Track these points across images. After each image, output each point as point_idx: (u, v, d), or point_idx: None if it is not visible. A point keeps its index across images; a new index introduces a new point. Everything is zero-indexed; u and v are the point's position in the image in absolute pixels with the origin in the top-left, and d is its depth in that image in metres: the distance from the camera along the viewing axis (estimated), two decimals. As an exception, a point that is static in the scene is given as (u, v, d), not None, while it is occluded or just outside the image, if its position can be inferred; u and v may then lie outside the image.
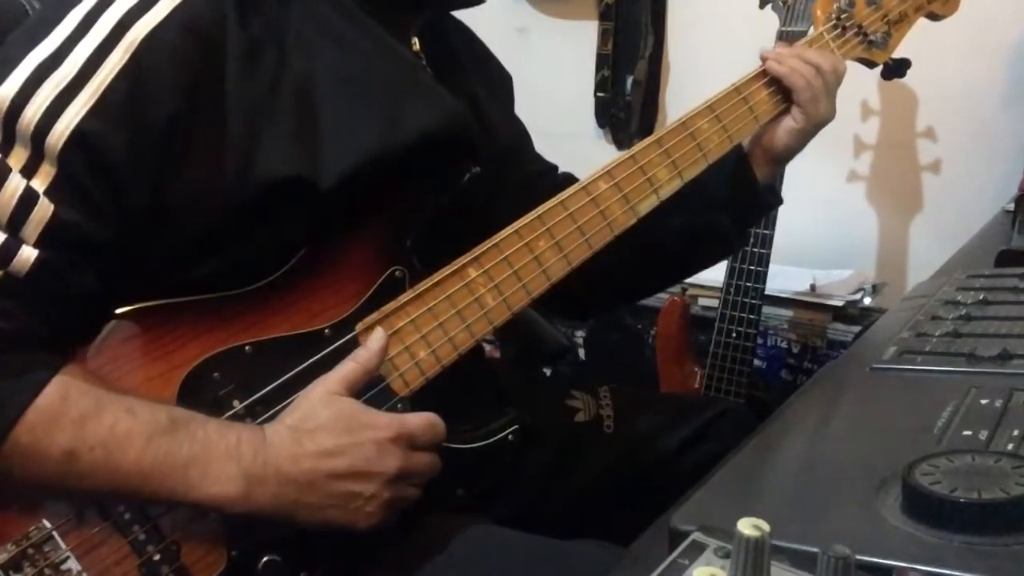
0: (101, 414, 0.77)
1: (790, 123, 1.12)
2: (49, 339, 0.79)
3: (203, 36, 0.81)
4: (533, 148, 1.24)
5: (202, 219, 0.82)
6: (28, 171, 0.77)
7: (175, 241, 0.83)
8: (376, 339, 0.88)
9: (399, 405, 0.90)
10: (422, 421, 0.86)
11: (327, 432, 0.82)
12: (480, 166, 0.97)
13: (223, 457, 0.79)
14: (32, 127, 0.77)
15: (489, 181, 0.99)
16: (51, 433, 0.75)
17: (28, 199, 0.77)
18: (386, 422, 0.84)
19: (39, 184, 0.77)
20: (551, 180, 1.22)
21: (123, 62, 0.78)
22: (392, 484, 0.84)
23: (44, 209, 0.77)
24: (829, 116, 1.13)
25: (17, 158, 0.78)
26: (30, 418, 0.75)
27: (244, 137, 0.82)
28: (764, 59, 1.12)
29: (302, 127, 0.84)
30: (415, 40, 1.00)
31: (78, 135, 0.77)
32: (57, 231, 0.77)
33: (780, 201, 1.23)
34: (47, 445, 0.75)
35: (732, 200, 1.15)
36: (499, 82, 1.19)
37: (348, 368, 0.86)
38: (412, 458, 0.85)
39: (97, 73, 0.78)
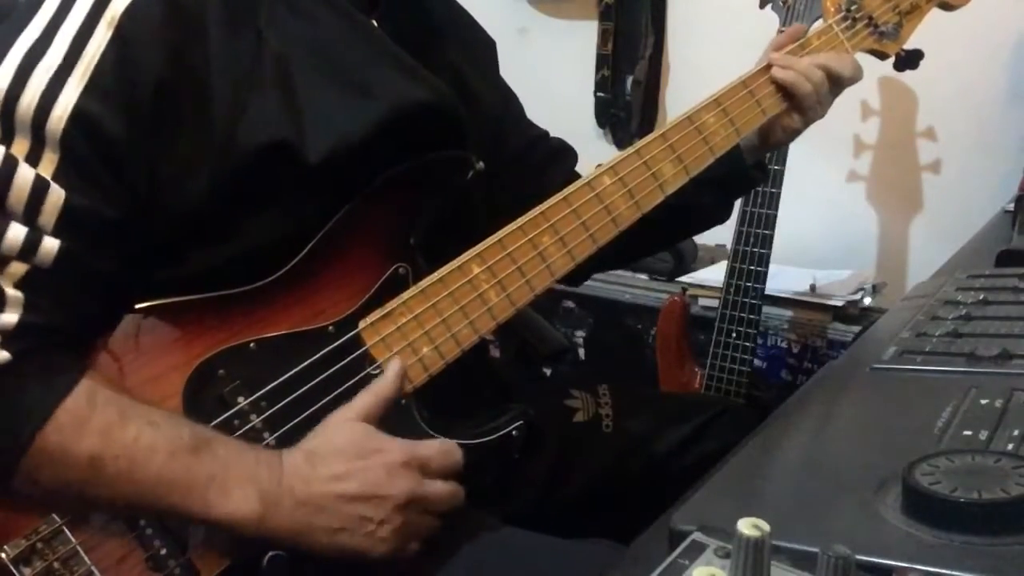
0: (126, 424, 0.78)
1: (788, 122, 1.12)
2: (72, 334, 0.80)
3: (182, 6, 0.82)
4: (523, 114, 1.23)
5: (195, 194, 0.83)
6: (32, 159, 0.78)
7: (173, 226, 0.84)
8: (393, 369, 0.88)
9: (402, 401, 0.90)
10: (436, 447, 0.87)
11: (338, 456, 0.83)
12: (466, 139, 0.97)
13: (242, 477, 0.80)
14: (31, 114, 0.77)
15: (481, 152, 0.99)
16: (78, 437, 0.76)
17: (39, 188, 0.77)
18: (397, 446, 0.85)
19: (45, 171, 0.78)
20: (544, 148, 1.22)
21: (108, 37, 0.79)
22: (404, 509, 0.83)
23: (56, 196, 0.77)
24: (822, 116, 1.13)
25: (19, 148, 0.78)
26: (59, 419, 0.76)
27: (229, 105, 0.83)
28: (772, 65, 1.11)
29: (284, 98, 0.86)
30: (373, 23, 0.98)
31: (76, 116, 0.77)
32: (73, 216, 0.78)
33: (768, 176, 1.23)
34: (74, 449, 0.76)
35: (721, 179, 1.14)
36: (481, 49, 1.18)
37: (365, 399, 0.86)
38: (425, 484, 0.85)
39: (84, 52, 0.79)
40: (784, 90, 1.10)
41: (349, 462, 0.83)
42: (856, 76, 1.12)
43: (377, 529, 0.83)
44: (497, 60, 1.20)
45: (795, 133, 1.14)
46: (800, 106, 1.10)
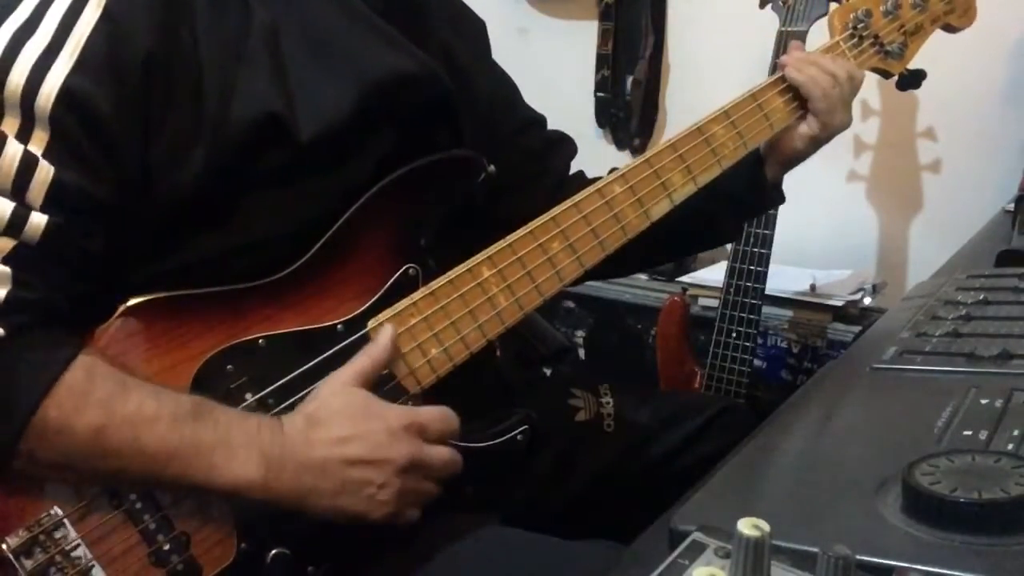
0: (127, 395, 0.78)
1: (804, 130, 1.12)
2: (65, 312, 0.80)
3: None
4: (519, 96, 1.23)
5: (191, 174, 0.83)
6: (23, 138, 0.78)
7: (172, 208, 0.84)
8: (385, 334, 0.89)
9: (410, 403, 0.90)
10: (435, 412, 0.87)
11: (340, 420, 0.83)
12: (456, 111, 0.97)
13: (245, 442, 0.80)
14: (19, 92, 0.77)
15: (477, 132, 0.99)
16: (79, 409, 0.76)
17: (28, 164, 0.77)
18: (398, 411, 0.86)
19: (36, 149, 0.78)
20: (542, 132, 1.22)
21: (96, 16, 0.79)
22: (404, 473, 0.84)
23: (45, 172, 0.78)
24: (844, 125, 1.13)
25: (10, 126, 0.78)
26: (59, 393, 0.76)
27: (220, 79, 0.84)
28: (783, 66, 1.13)
29: (274, 73, 0.86)
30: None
31: (65, 93, 0.77)
32: (61, 193, 0.78)
33: (784, 199, 1.23)
34: (75, 421, 0.76)
35: (741, 197, 1.16)
36: (471, 30, 1.18)
37: (360, 362, 0.87)
38: (425, 449, 0.85)
39: (73, 32, 0.79)
40: (795, 92, 1.11)
41: (351, 426, 0.83)
42: (851, 78, 1.12)
43: (378, 492, 0.83)
44: (488, 41, 1.20)
45: (813, 142, 1.13)
46: (815, 108, 1.11)
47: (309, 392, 0.86)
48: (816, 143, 1.14)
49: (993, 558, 0.53)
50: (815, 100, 1.10)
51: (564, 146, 1.24)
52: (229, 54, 0.84)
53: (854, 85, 1.13)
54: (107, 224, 0.81)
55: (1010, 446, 0.66)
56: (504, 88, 1.21)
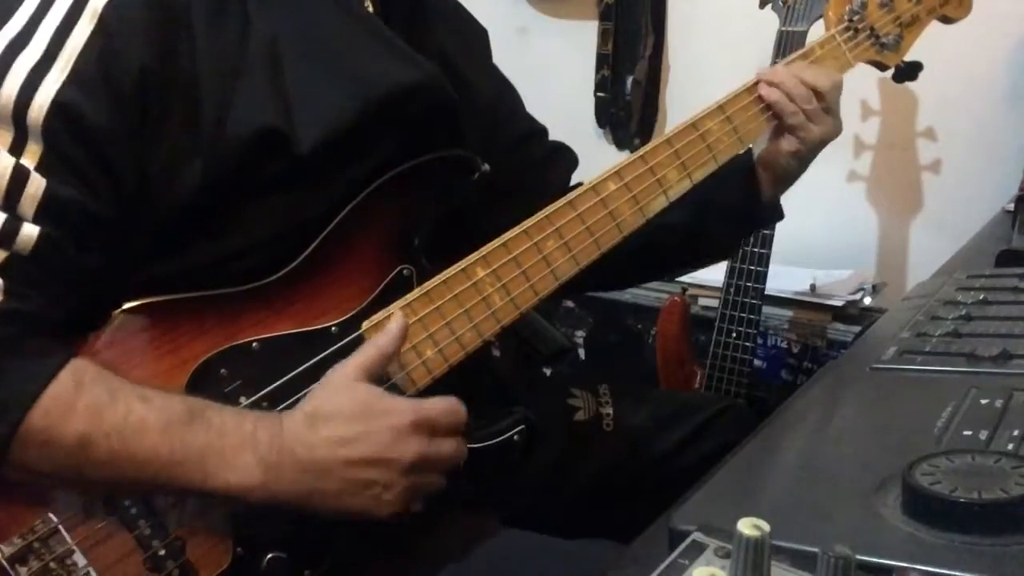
0: (115, 402, 0.77)
1: (785, 146, 1.10)
2: (57, 322, 0.79)
3: None
4: (521, 106, 1.22)
5: (189, 187, 0.82)
6: (16, 151, 0.78)
7: (169, 219, 0.83)
8: (396, 323, 0.87)
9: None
10: (443, 406, 0.85)
11: (343, 418, 0.82)
12: (458, 122, 0.97)
13: (239, 445, 0.79)
14: (11, 105, 0.77)
15: (476, 138, 0.98)
16: (66, 419, 0.75)
17: (20, 176, 0.77)
18: (404, 407, 0.84)
19: (29, 162, 0.78)
20: (544, 144, 1.22)
21: (90, 30, 0.79)
22: (411, 472, 0.83)
23: (37, 184, 0.77)
24: (831, 134, 1.10)
25: (2, 139, 0.78)
26: (45, 403, 0.75)
27: (218, 92, 0.83)
28: (758, 81, 1.09)
29: (274, 84, 0.86)
30: (368, 2, 0.98)
31: (58, 106, 0.77)
32: (54, 205, 0.78)
33: (781, 217, 1.22)
34: (62, 431, 0.75)
35: (737, 211, 1.15)
36: (472, 37, 1.17)
37: (366, 353, 0.85)
38: (433, 444, 0.84)
39: (66, 45, 0.78)
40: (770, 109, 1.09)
41: (354, 425, 0.81)
42: (835, 87, 1.10)
43: (384, 492, 0.82)
44: (490, 49, 1.20)
45: (797, 157, 1.10)
46: (788, 125, 1.08)
47: (304, 395, 0.85)
48: (800, 157, 1.10)
49: (993, 558, 0.53)
50: (787, 116, 1.07)
51: (564, 157, 1.23)
52: (228, 66, 0.84)
53: (838, 93, 1.10)
54: (104, 235, 0.81)
55: (1010, 446, 0.66)
56: (506, 96, 1.20)
